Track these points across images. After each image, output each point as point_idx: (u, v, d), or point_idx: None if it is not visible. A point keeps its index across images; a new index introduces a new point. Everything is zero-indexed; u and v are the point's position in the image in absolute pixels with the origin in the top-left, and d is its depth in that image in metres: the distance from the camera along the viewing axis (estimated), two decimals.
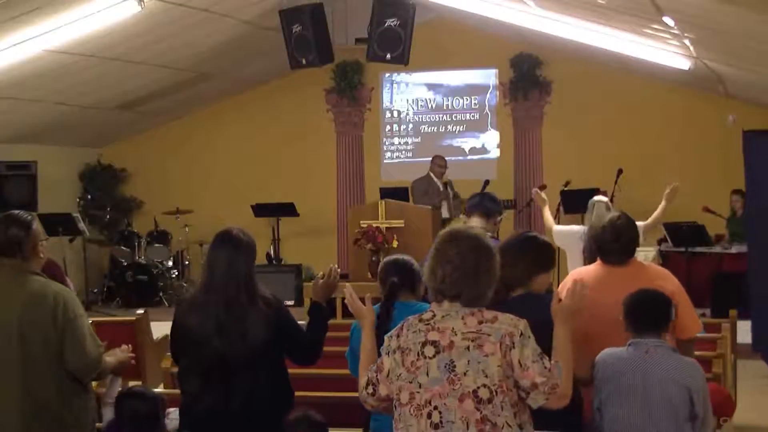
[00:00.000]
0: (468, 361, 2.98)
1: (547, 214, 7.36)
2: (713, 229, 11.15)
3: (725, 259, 10.69)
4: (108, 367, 4.19)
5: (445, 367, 3.00)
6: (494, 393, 2.96)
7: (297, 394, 4.18)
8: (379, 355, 3.21)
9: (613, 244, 4.35)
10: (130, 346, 4.40)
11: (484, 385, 2.96)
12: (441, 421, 2.98)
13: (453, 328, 3.03)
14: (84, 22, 8.79)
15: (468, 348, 2.99)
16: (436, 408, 2.99)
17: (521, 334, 3.01)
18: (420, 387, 3.02)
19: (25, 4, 8.09)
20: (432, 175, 11.34)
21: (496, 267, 3.14)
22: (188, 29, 10.38)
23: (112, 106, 12.52)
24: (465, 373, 2.98)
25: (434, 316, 3.09)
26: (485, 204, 5.80)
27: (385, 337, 3.17)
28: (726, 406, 5.04)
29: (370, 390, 3.18)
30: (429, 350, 3.03)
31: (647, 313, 3.90)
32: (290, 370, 4.17)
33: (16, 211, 4.16)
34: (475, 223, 5.61)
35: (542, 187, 12.08)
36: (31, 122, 11.79)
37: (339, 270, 4.27)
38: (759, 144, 8.65)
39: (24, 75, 9.89)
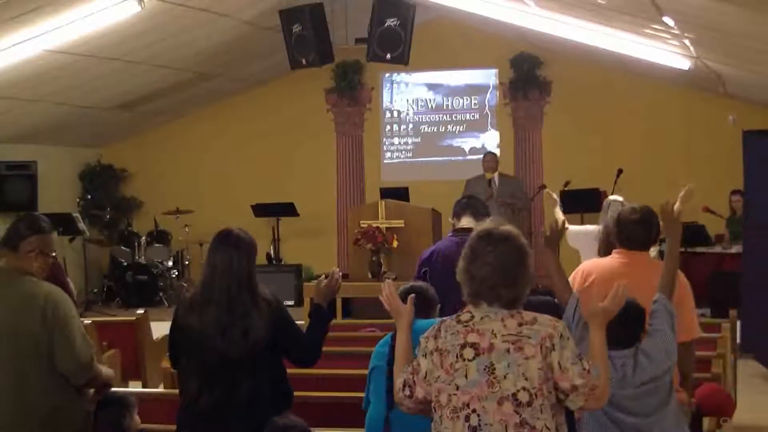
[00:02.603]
0: (508, 364, 2.95)
1: (559, 215, 7.38)
2: (713, 229, 11.15)
3: (725, 259, 10.68)
4: (100, 376, 4.12)
5: (485, 369, 2.96)
6: (534, 396, 2.93)
7: (297, 394, 4.19)
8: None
9: (637, 228, 4.34)
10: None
11: (524, 388, 2.93)
12: (479, 424, 2.94)
13: (492, 330, 2.99)
14: (84, 22, 8.79)
15: (508, 350, 2.96)
16: (474, 411, 2.96)
17: (560, 335, 2.98)
18: (457, 389, 2.98)
19: (25, 4, 8.09)
20: (485, 173, 11.52)
21: (532, 266, 3.10)
22: (188, 29, 10.38)
23: (112, 106, 12.52)
24: (505, 376, 2.94)
25: (473, 317, 3.04)
26: (474, 205, 5.80)
27: (421, 339, 3.12)
28: (726, 406, 5.03)
29: (407, 392, 3.13)
30: (468, 352, 2.99)
31: (627, 326, 3.86)
32: (290, 370, 4.17)
33: (38, 214, 4.21)
34: (466, 224, 5.60)
35: (542, 187, 12.14)
36: (31, 122, 11.79)
37: (341, 272, 4.27)
38: (759, 144, 8.66)
39: (24, 75, 9.88)
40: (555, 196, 7.60)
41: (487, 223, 3.22)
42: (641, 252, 4.39)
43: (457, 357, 3.00)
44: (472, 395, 2.96)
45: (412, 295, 3.48)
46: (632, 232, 4.37)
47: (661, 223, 4.17)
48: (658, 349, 3.80)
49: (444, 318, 3.14)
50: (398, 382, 3.18)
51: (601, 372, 3.05)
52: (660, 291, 3.95)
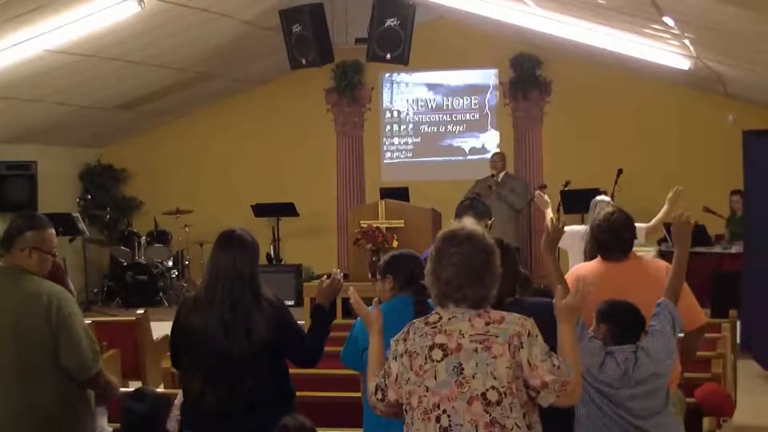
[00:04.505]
0: (476, 364, 2.95)
1: (549, 216, 7.37)
2: (713, 229, 11.16)
3: (725, 259, 10.68)
4: (105, 377, 4.11)
5: (453, 370, 2.96)
6: (503, 395, 2.94)
7: (297, 393, 4.19)
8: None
9: (611, 241, 4.38)
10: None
11: (493, 387, 2.94)
12: (450, 425, 2.95)
13: (460, 331, 3.00)
14: (84, 22, 8.79)
15: (476, 350, 2.97)
16: (444, 411, 2.96)
17: (529, 333, 2.99)
18: (427, 391, 2.99)
19: (25, 4, 8.09)
20: (492, 174, 11.15)
21: (498, 265, 3.10)
22: (188, 29, 10.38)
23: (112, 106, 12.53)
24: (473, 376, 2.95)
25: (440, 318, 3.05)
26: (476, 206, 5.81)
27: (391, 342, 3.14)
28: (726, 406, 5.03)
29: (380, 395, 3.15)
30: (437, 354, 3.00)
31: (633, 324, 3.89)
32: (290, 370, 4.17)
33: (35, 213, 4.19)
34: (467, 223, 5.60)
35: (542, 187, 12.13)
36: (31, 122, 11.79)
37: (342, 273, 4.28)
38: (759, 144, 8.66)
39: (24, 75, 9.88)
40: (546, 197, 7.58)
41: (452, 225, 3.22)
42: (622, 259, 4.40)
43: (425, 358, 3.01)
44: (441, 396, 2.97)
45: (376, 299, 3.49)
46: (606, 246, 4.42)
47: (673, 232, 4.17)
48: (659, 348, 3.82)
49: (413, 321, 3.14)
50: (371, 386, 3.19)
51: (572, 367, 3.04)
52: (665, 295, 3.98)
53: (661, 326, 3.87)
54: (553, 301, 3.24)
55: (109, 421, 4.64)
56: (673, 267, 4.08)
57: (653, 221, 7.20)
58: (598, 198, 7.38)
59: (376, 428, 3.96)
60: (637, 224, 7.13)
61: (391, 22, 10.08)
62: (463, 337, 2.99)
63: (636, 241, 7.04)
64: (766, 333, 8.31)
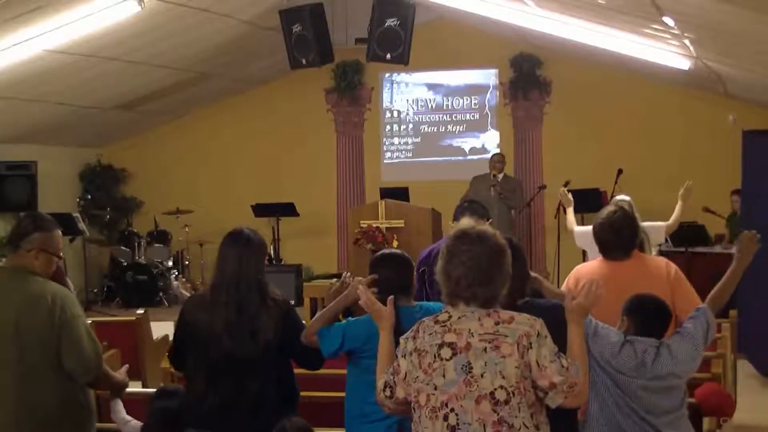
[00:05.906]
0: (485, 363, 2.96)
1: (571, 216, 7.38)
2: (713, 229, 11.15)
3: (725, 259, 10.63)
4: (109, 376, 4.15)
5: (462, 368, 2.97)
6: (511, 394, 2.94)
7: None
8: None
9: (612, 240, 4.38)
10: (127, 366, 4.38)
11: (501, 387, 2.94)
12: (458, 423, 2.96)
13: (470, 330, 3.01)
14: (84, 22, 8.79)
15: (485, 349, 2.97)
16: (452, 410, 2.97)
17: (538, 333, 2.99)
18: (436, 389, 3.00)
19: (25, 4, 8.09)
20: (492, 173, 11.36)
21: (509, 265, 3.11)
22: (188, 29, 10.38)
23: (112, 106, 12.53)
24: (482, 375, 2.96)
25: (450, 317, 3.06)
26: (474, 207, 5.82)
27: (401, 339, 3.15)
28: (726, 406, 5.02)
29: (388, 393, 3.16)
30: (446, 352, 3.00)
31: (658, 316, 3.89)
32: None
33: (42, 213, 4.20)
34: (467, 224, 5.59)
35: (542, 187, 12.15)
36: (31, 122, 11.79)
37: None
38: (759, 144, 8.66)
39: (24, 75, 9.88)
40: (570, 196, 7.56)
41: (463, 224, 3.22)
42: (624, 259, 4.39)
43: (435, 357, 3.02)
44: (450, 395, 2.98)
45: (391, 297, 3.47)
46: (608, 246, 4.43)
47: (738, 246, 4.21)
48: (684, 350, 3.81)
49: (423, 319, 3.15)
50: (380, 383, 3.20)
51: (580, 368, 3.05)
52: (709, 302, 4.03)
53: (694, 330, 3.87)
54: (564, 303, 3.23)
55: (105, 421, 4.65)
56: (726, 277, 4.12)
57: (671, 220, 7.23)
58: (618, 198, 7.38)
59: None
60: (657, 223, 7.16)
61: (391, 22, 10.07)
62: (473, 336, 3.00)
63: (657, 240, 7.05)
64: (764, 334, 8.30)
